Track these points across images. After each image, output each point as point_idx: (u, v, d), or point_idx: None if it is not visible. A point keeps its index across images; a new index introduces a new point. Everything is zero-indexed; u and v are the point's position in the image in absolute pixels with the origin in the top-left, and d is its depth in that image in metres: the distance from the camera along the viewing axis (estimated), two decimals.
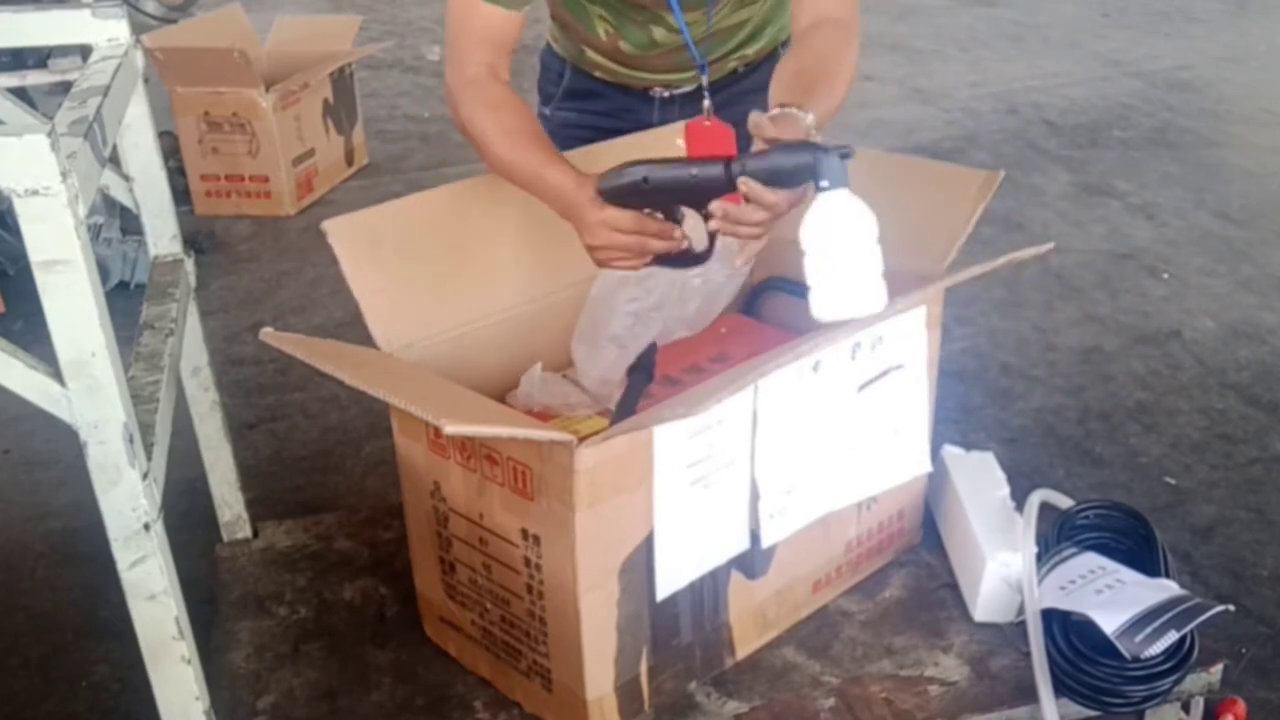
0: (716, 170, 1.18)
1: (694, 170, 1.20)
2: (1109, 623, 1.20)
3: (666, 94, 1.66)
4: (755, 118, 1.20)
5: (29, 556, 2.26)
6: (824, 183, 1.12)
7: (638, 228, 1.23)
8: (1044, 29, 6.34)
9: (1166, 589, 1.28)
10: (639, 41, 1.57)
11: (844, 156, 1.12)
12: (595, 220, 1.24)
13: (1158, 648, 1.19)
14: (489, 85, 1.37)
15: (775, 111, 1.22)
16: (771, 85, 1.31)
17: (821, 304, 1.14)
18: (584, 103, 1.69)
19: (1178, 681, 1.24)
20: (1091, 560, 1.34)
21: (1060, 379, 2.93)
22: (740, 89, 1.64)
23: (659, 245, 1.24)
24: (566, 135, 1.63)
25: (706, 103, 1.56)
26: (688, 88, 1.65)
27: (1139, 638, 1.19)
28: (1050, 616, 1.28)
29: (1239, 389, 2.87)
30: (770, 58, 1.68)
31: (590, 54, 1.65)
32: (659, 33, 1.55)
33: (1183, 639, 1.22)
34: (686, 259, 1.29)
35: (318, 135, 4.02)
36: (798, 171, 1.14)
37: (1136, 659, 1.20)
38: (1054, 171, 4.30)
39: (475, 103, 1.36)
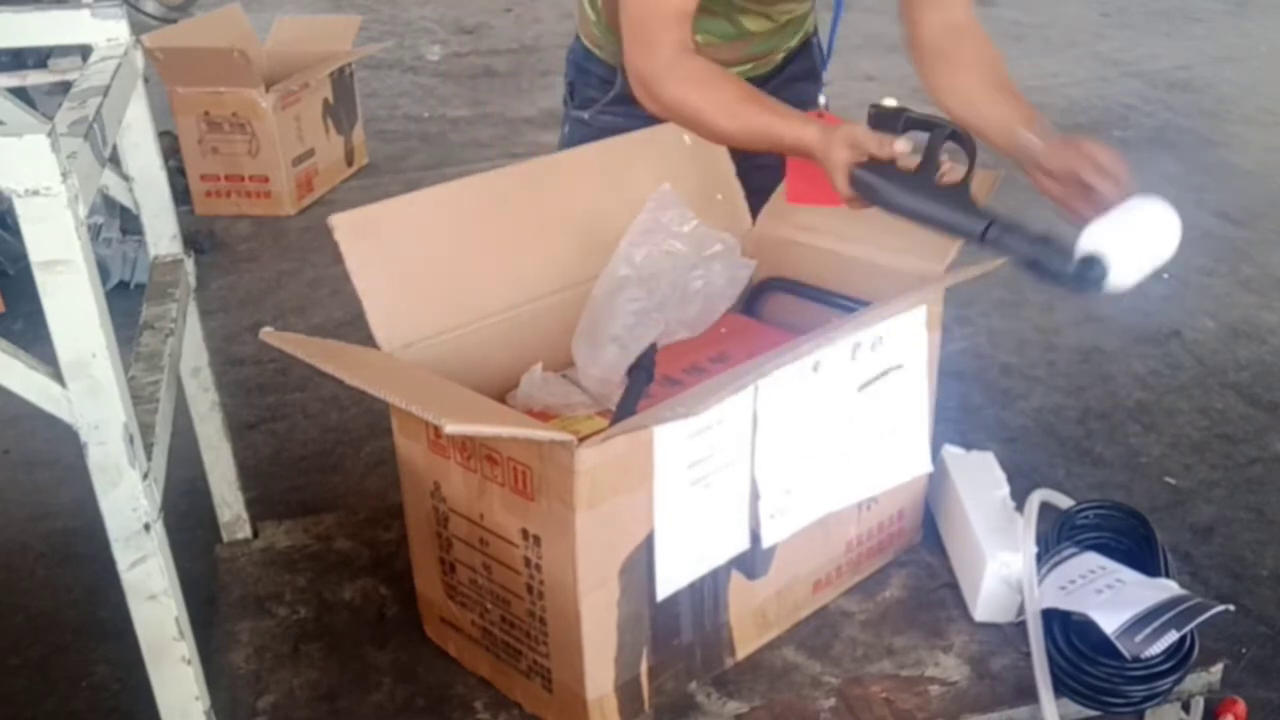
0: (974, 225, 1.22)
1: (946, 199, 1.24)
2: (1109, 623, 1.20)
3: None
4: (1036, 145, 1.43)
5: (29, 556, 2.26)
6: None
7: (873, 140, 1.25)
8: (1044, 29, 6.33)
9: (1166, 589, 1.28)
10: (724, 32, 1.62)
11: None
12: (842, 135, 1.26)
13: (1158, 647, 1.19)
14: (690, 62, 1.39)
15: (1042, 139, 1.41)
16: (985, 112, 1.51)
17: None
18: (632, 107, 1.64)
19: (1178, 681, 1.24)
20: (1091, 560, 1.34)
21: (1060, 379, 2.92)
22: (783, 78, 1.75)
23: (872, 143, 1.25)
24: None
25: (823, 99, 1.71)
26: None
27: (1139, 637, 1.19)
28: (1050, 616, 1.28)
29: (1239, 389, 2.87)
30: (805, 46, 1.78)
31: None
32: (751, 21, 1.63)
33: (1183, 639, 1.22)
34: None
35: (318, 135, 4.02)
36: (1054, 276, 1.25)
37: (1136, 659, 1.20)
38: None
39: (683, 83, 1.38)
